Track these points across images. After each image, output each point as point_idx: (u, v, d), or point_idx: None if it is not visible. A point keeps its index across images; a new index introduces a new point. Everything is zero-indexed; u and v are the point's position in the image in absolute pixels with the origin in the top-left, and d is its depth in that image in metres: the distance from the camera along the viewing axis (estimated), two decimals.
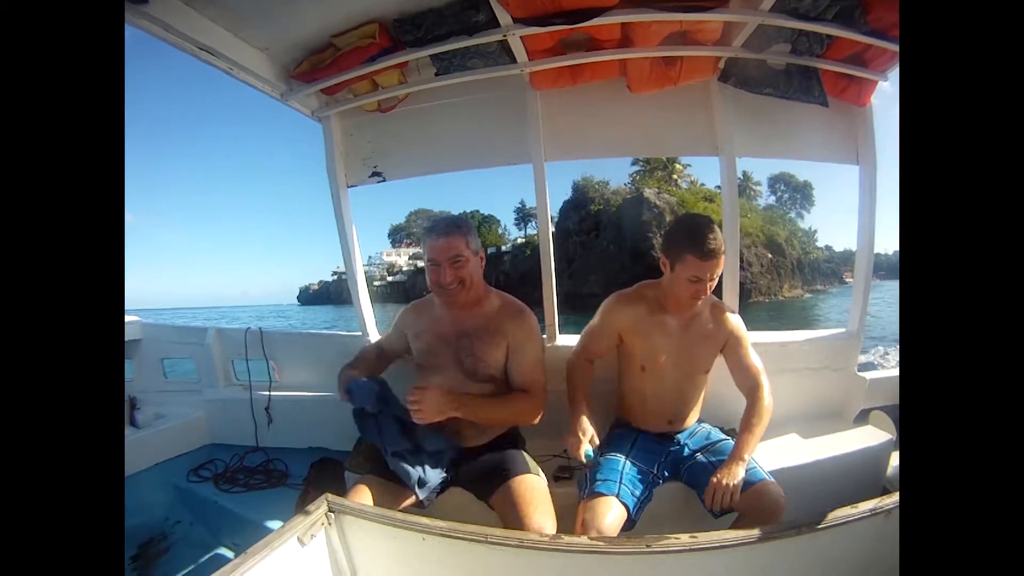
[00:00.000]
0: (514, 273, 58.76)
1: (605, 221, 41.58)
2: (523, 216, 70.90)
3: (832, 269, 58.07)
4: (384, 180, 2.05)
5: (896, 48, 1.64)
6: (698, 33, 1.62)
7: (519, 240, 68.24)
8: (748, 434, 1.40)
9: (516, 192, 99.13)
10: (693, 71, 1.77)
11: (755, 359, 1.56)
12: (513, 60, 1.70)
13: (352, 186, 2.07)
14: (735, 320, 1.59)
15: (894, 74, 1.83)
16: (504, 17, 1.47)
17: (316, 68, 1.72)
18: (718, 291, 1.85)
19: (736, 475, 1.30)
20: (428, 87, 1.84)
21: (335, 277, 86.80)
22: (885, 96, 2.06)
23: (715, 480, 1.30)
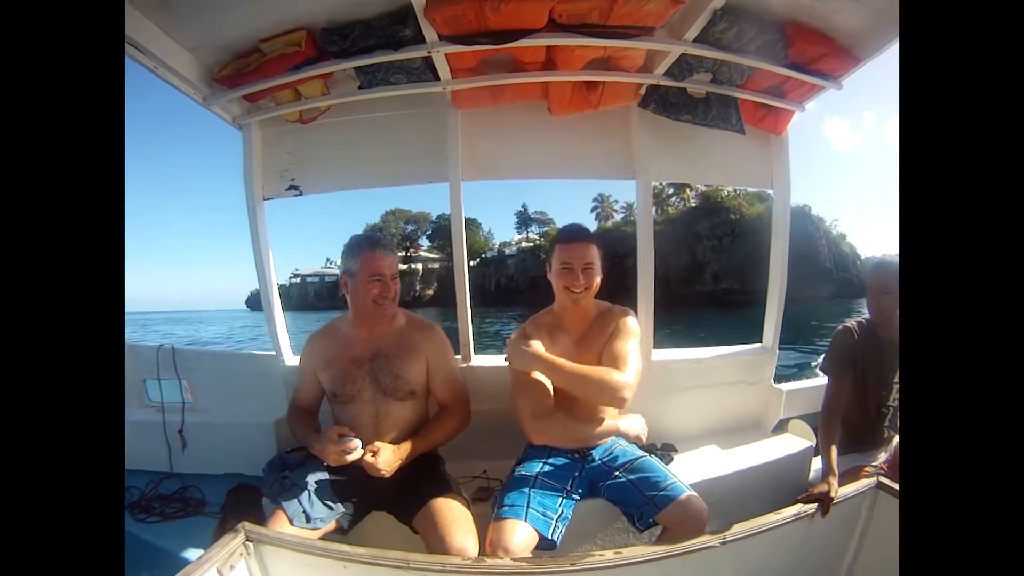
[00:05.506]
0: (521, 278, 57.20)
1: (745, 228, 43.04)
2: (524, 220, 69.47)
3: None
4: (301, 194, 1.99)
5: (815, 81, 1.76)
6: (621, 60, 1.68)
7: (523, 243, 64.71)
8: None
9: (500, 199, 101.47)
10: (614, 96, 1.83)
11: (627, 353, 1.41)
12: (436, 78, 1.70)
13: (268, 199, 2.01)
14: (623, 316, 1.52)
15: (811, 104, 1.97)
16: (431, 34, 1.48)
17: (240, 72, 1.68)
18: (633, 301, 1.85)
19: None
20: (350, 100, 1.82)
21: (298, 279, 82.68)
22: (800, 125, 2.21)
23: None
